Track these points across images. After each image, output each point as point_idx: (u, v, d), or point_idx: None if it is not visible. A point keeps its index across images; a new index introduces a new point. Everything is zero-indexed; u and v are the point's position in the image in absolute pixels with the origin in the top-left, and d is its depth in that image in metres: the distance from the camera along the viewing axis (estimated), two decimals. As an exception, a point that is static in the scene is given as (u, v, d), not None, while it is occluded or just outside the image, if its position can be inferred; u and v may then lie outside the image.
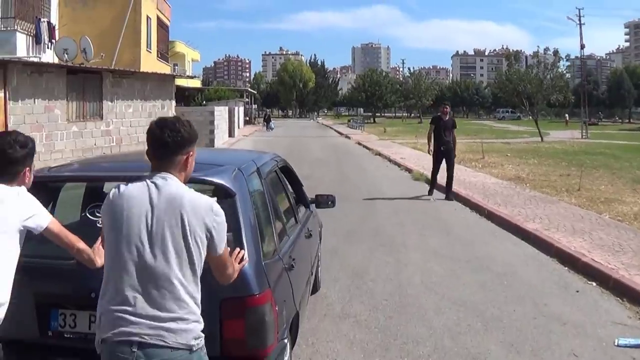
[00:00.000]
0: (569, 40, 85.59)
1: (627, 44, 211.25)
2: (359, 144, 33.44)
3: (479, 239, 9.15)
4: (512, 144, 32.12)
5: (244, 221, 3.34)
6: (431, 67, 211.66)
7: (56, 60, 20.80)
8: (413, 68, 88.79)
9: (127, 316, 2.45)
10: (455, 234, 9.52)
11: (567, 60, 40.16)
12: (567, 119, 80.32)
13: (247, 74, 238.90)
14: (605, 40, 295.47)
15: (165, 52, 40.23)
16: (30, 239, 2.99)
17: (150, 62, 32.11)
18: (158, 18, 36.98)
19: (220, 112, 33.59)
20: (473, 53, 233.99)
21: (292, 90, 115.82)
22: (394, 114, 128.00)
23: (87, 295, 3.05)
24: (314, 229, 5.54)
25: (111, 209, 2.59)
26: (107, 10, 30.31)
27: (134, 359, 2.41)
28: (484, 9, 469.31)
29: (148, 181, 2.57)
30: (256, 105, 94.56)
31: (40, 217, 2.90)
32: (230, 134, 38.40)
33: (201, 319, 2.57)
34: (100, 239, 2.93)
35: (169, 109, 22.83)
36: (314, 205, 5.93)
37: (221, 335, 3.11)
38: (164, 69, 35.10)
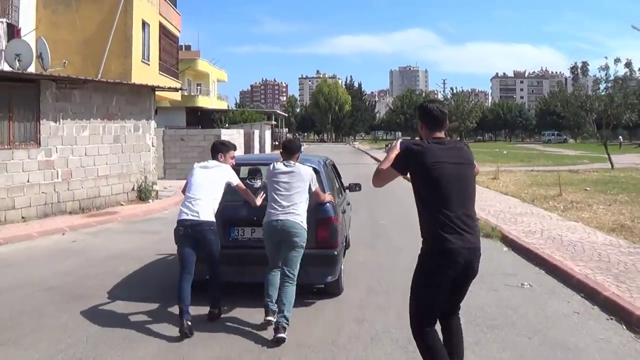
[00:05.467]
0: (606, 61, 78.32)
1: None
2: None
3: None
4: (581, 172, 26.25)
5: (325, 183, 7.23)
6: (470, 90, 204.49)
7: (6, 68, 15.50)
8: (455, 88, 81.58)
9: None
10: None
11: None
12: (621, 140, 72.76)
13: (285, 98, 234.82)
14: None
15: (173, 66, 34.70)
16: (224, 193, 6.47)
17: (147, 76, 26.45)
18: (162, 26, 31.40)
19: (232, 136, 28.14)
20: (513, 75, 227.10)
21: (327, 114, 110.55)
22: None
23: (251, 218, 6.73)
24: (350, 202, 9.70)
25: (273, 173, 6.20)
26: (93, 13, 24.88)
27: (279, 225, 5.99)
28: (520, 32, 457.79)
29: (284, 162, 6.19)
30: (287, 129, 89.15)
31: (235, 179, 6.39)
32: (248, 160, 32.41)
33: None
34: (261, 193, 6.65)
35: (146, 131, 17.02)
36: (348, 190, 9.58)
37: (316, 237, 6.58)
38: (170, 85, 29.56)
